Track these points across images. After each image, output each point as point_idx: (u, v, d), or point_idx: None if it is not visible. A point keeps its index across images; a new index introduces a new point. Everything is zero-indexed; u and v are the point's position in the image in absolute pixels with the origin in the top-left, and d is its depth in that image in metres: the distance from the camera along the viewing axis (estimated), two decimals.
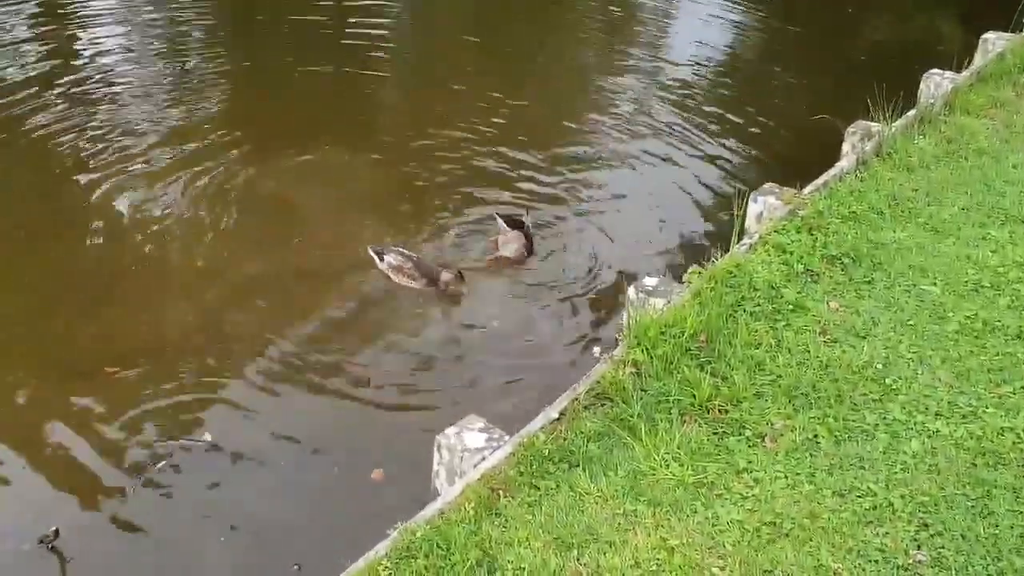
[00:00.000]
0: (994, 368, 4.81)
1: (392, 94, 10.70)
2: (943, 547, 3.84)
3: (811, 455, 4.28)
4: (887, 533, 3.89)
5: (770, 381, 4.71)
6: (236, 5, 13.04)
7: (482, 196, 8.25)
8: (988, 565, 3.76)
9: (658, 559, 3.74)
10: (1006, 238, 5.92)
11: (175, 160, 8.43)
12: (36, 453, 5.47)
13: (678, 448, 4.28)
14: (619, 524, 3.90)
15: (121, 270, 7.08)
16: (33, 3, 11.97)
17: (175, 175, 8.15)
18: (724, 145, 9.41)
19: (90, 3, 11.91)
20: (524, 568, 3.67)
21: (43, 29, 11.28)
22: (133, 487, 5.25)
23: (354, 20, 11.94)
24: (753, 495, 4.07)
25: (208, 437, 5.58)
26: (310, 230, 7.58)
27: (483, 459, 4.31)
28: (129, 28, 11.56)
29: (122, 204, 7.74)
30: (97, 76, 10.05)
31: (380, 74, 10.73)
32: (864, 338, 5.00)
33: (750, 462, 4.24)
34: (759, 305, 5.23)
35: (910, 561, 3.78)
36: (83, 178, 8.05)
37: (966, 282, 5.48)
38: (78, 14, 11.63)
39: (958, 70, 8.39)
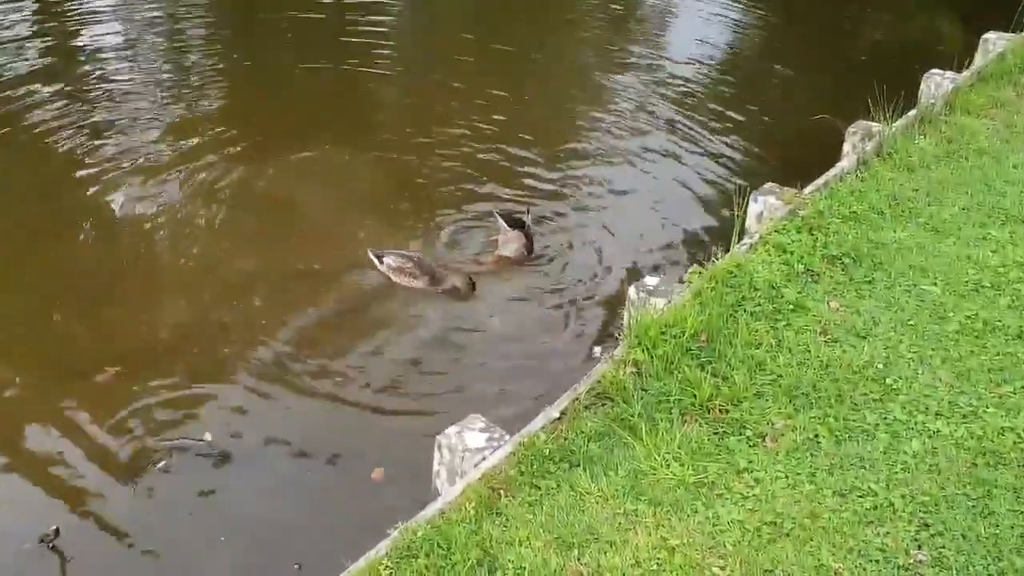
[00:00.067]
0: (994, 368, 4.81)
1: (392, 91, 10.69)
2: (944, 547, 3.84)
3: (812, 455, 4.28)
4: (888, 533, 3.90)
5: (771, 381, 4.71)
6: (236, 3, 13.04)
7: (482, 194, 8.25)
8: (989, 565, 3.77)
9: (659, 559, 3.74)
10: (1006, 238, 5.92)
11: (175, 159, 8.42)
12: (36, 452, 5.47)
13: (679, 448, 4.28)
14: (620, 524, 3.90)
15: (121, 270, 7.07)
16: (32, 0, 11.97)
17: (175, 174, 8.13)
18: (724, 143, 9.41)
19: (90, 1, 11.90)
20: (525, 567, 3.67)
21: (43, 26, 11.28)
22: (133, 486, 5.25)
23: (354, 17, 11.93)
24: (754, 495, 4.07)
25: (208, 436, 5.57)
26: (311, 229, 7.58)
27: (484, 459, 4.31)
28: (129, 26, 11.54)
29: (122, 203, 7.73)
30: (97, 73, 10.05)
31: (380, 72, 10.71)
32: (864, 338, 5.00)
33: (751, 462, 4.24)
34: (760, 305, 5.24)
35: (911, 561, 3.79)
36: (83, 178, 8.04)
37: (966, 282, 5.48)
38: (78, 11, 11.63)
39: (959, 70, 8.38)
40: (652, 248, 7.67)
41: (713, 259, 5.55)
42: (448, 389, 6.08)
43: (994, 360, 4.87)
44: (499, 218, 7.48)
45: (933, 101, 7.66)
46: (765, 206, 6.37)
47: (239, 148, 8.63)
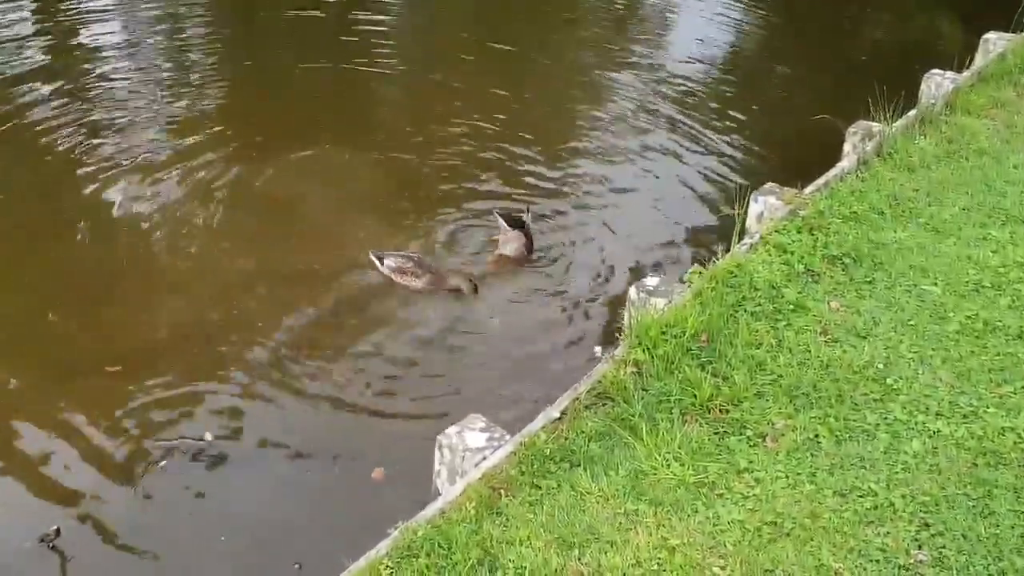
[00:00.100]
0: (995, 368, 4.81)
1: (392, 91, 10.69)
2: (944, 547, 3.84)
3: (812, 455, 4.28)
4: (888, 533, 3.90)
5: (771, 381, 4.71)
6: (236, 2, 13.02)
7: (483, 193, 8.25)
8: (989, 565, 3.77)
9: (659, 558, 3.74)
10: (1007, 238, 5.92)
11: (174, 158, 8.41)
12: (36, 452, 5.46)
13: (679, 448, 4.28)
14: (620, 523, 3.90)
15: (121, 269, 7.06)
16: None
17: (175, 174, 8.12)
18: (725, 143, 9.40)
19: (89, 0, 11.89)
20: (525, 567, 3.67)
21: (43, 25, 11.27)
22: (133, 486, 5.25)
23: (354, 16, 11.92)
24: (754, 495, 4.07)
25: (209, 436, 5.57)
26: (310, 229, 7.57)
27: (484, 458, 4.31)
28: (128, 25, 11.53)
29: (121, 203, 7.72)
30: (96, 72, 10.03)
31: (380, 71, 10.70)
32: (865, 338, 5.00)
33: (751, 462, 4.24)
34: (760, 305, 5.24)
35: (911, 561, 3.79)
36: (82, 177, 8.03)
37: (967, 282, 5.48)
38: (77, 10, 11.61)
39: (959, 70, 8.38)
40: (652, 247, 7.67)
41: (713, 259, 5.55)
42: (448, 389, 6.08)
43: (994, 360, 4.87)
44: (499, 217, 7.48)
45: (933, 101, 7.66)
46: (765, 206, 6.37)
47: (239, 147, 8.62)
